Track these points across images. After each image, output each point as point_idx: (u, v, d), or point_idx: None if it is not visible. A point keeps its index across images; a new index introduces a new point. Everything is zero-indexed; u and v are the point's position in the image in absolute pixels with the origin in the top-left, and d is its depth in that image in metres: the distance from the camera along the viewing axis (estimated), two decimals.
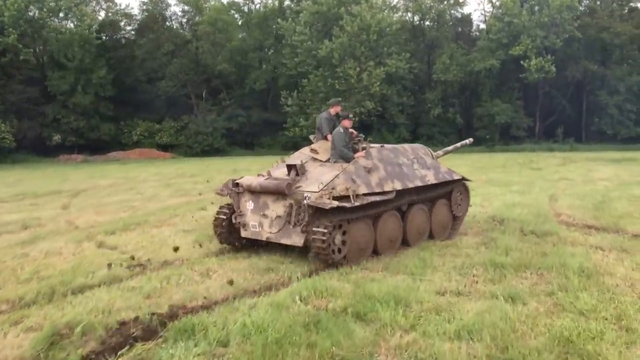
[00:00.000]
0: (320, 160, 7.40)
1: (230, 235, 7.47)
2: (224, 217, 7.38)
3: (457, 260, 7.01)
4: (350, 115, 7.55)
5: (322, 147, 7.65)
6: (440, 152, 9.72)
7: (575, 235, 8.47)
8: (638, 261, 6.77)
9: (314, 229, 6.28)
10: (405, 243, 7.67)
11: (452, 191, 8.57)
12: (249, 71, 46.83)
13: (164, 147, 45.63)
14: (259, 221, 6.96)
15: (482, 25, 49.56)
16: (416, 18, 49.82)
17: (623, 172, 20.08)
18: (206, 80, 47.98)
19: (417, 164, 7.88)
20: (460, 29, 50.54)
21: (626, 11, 46.72)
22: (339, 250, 6.48)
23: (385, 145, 7.87)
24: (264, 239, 7.00)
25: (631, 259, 6.92)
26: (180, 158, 42.41)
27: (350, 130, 7.59)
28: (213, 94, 48.38)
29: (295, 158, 7.63)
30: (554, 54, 42.01)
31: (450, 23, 49.57)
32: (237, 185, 7.25)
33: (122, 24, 49.34)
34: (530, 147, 41.87)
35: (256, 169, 13.42)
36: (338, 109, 8.07)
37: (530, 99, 45.50)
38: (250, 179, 7.21)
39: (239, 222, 7.20)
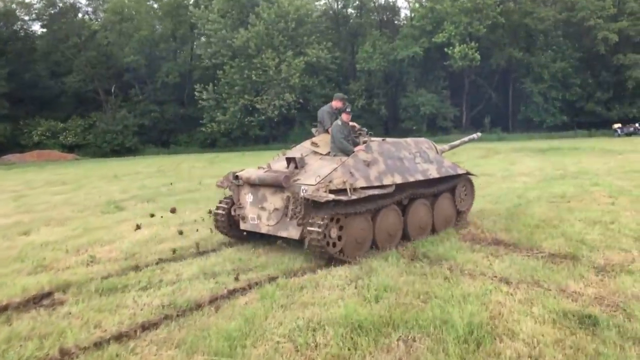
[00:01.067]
0: (321, 154, 7.29)
1: (230, 228, 7.47)
2: (224, 210, 7.41)
3: (303, 314, 4.79)
4: (348, 110, 7.39)
5: (323, 141, 7.52)
6: (446, 147, 9.56)
7: (477, 258, 6.44)
8: (551, 306, 4.75)
9: (309, 222, 6.24)
10: (406, 237, 7.41)
11: (455, 186, 8.38)
12: (161, 63, 43.81)
13: (70, 148, 42.19)
14: (257, 214, 6.95)
15: (409, 13, 47.99)
16: (338, 5, 47.80)
17: (547, 165, 18.65)
18: (116, 75, 44.67)
19: (419, 157, 7.76)
20: (385, 17, 48.83)
21: None
22: (334, 244, 6.33)
23: (387, 139, 7.69)
24: (262, 231, 6.94)
25: (543, 301, 4.88)
26: (85, 159, 39.08)
27: (352, 123, 7.52)
28: (124, 89, 45.14)
29: (296, 151, 7.57)
30: (478, 41, 40.86)
31: (375, 11, 47.73)
32: (237, 177, 7.22)
33: (19, 13, 45.23)
34: (457, 138, 40.47)
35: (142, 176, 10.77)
36: (340, 103, 7.83)
37: (457, 89, 44.33)
38: (250, 172, 7.18)
39: (239, 215, 7.19)
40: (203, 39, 42.05)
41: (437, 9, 40.45)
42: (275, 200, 6.75)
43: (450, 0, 39.92)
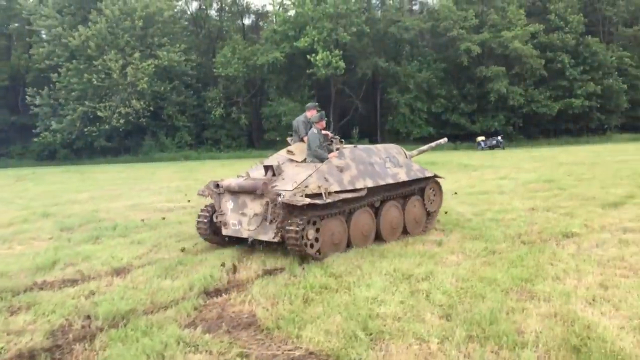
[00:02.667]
0: (296, 161, 7.69)
1: (213, 234, 7.70)
2: (206, 217, 7.65)
3: None
4: (323, 119, 7.79)
5: (298, 149, 7.94)
6: (414, 152, 10.03)
7: None
8: None
9: (287, 225, 6.62)
10: (379, 238, 7.82)
11: (424, 188, 8.89)
12: None
13: None
14: (238, 219, 7.27)
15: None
16: (197, 6, 44.54)
17: None
18: None
19: (389, 162, 8.25)
20: (251, 20, 46.19)
21: (416, 6, 45.65)
22: (312, 245, 6.71)
23: (358, 146, 8.24)
24: (244, 236, 7.24)
25: None
26: None
27: (325, 132, 7.85)
28: None
29: (273, 159, 7.98)
30: (343, 48, 39.16)
31: (239, 14, 44.89)
32: (217, 186, 7.56)
33: None
34: None
35: None
36: (314, 112, 8.17)
37: (324, 98, 42.38)
38: (230, 180, 7.54)
39: (220, 221, 7.48)
40: (36, 36, 37.07)
41: (299, 12, 38.30)
42: (255, 206, 7.12)
43: (313, 4, 37.94)
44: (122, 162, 36.19)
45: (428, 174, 8.87)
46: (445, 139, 11.73)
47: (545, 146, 38.35)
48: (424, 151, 10.56)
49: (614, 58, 41.99)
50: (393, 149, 8.71)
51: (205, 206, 7.91)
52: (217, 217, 7.54)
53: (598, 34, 43.76)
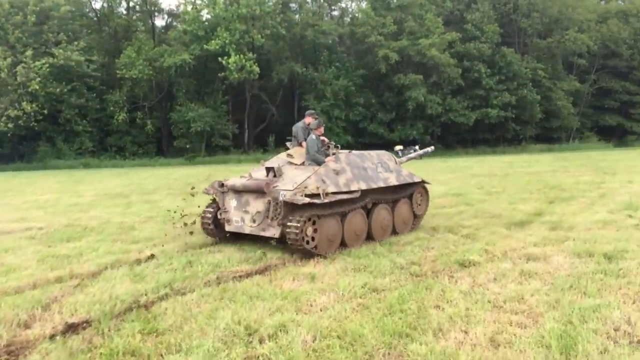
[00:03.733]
0: (296, 164, 8.33)
1: (216, 230, 8.32)
2: (210, 214, 8.29)
3: None
4: (323, 125, 8.58)
5: (297, 153, 8.62)
6: (403, 159, 10.65)
7: None
8: None
9: (288, 222, 7.20)
10: (370, 238, 8.41)
11: (413, 192, 9.48)
12: None
13: None
14: (241, 217, 7.87)
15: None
16: (100, 3, 41.76)
17: None
18: None
19: (381, 167, 8.89)
20: (160, 20, 43.83)
21: (336, 11, 44.83)
22: (310, 241, 7.29)
23: (353, 152, 8.87)
24: (246, 232, 7.87)
25: None
26: None
27: (322, 138, 8.48)
28: None
29: (273, 162, 8.54)
30: (257, 52, 37.58)
31: (148, 13, 42.40)
32: (222, 185, 8.20)
33: None
34: (237, 159, 36.73)
35: None
36: (311, 119, 8.93)
37: (238, 104, 40.68)
38: (234, 180, 8.17)
39: (224, 218, 8.09)
40: None
41: (210, 12, 36.43)
42: (257, 204, 7.74)
43: (225, 4, 36.19)
44: (12, 170, 33.01)
45: (416, 180, 9.57)
46: (432, 148, 13.11)
47: (463, 156, 38.24)
48: (412, 158, 11.31)
49: (528, 69, 42.61)
50: (384, 155, 9.44)
51: (209, 204, 8.58)
52: (220, 215, 8.17)
53: (513, 44, 44.41)
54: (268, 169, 8.06)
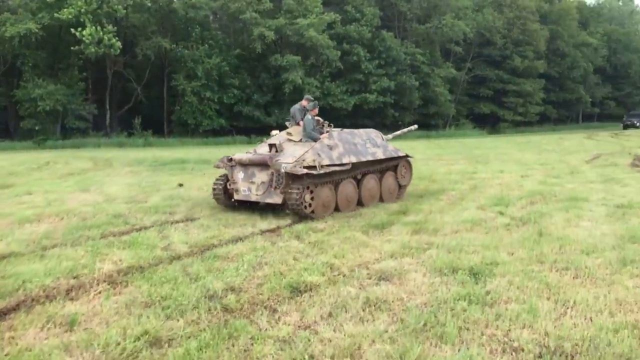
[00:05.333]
0: (294, 141, 9.73)
1: (226, 198, 9.72)
2: (221, 185, 9.74)
3: None
4: (317, 107, 10.36)
5: (296, 131, 10.03)
6: (389, 136, 12.22)
7: None
8: None
9: (289, 190, 8.68)
10: (360, 204, 9.94)
11: (397, 165, 10.99)
12: None
13: None
14: (248, 187, 9.30)
15: None
16: None
17: (128, 190, 12.54)
18: None
19: (369, 143, 10.33)
20: None
21: None
22: (307, 207, 8.81)
23: (344, 130, 10.37)
24: (252, 199, 9.33)
25: None
26: None
27: (317, 117, 10.05)
28: None
29: (275, 139, 9.84)
30: (119, 25, 34.14)
31: None
32: (231, 160, 9.58)
33: None
34: (95, 142, 33.25)
35: None
36: (307, 102, 10.60)
37: (99, 81, 36.98)
38: (240, 155, 9.61)
39: (233, 188, 9.49)
40: None
41: None
42: (262, 176, 9.15)
43: None
44: None
45: (400, 154, 10.97)
46: (416, 126, 15.28)
47: None
48: (397, 135, 13.27)
49: (407, 54, 42.57)
50: (372, 132, 10.90)
51: (220, 176, 10.01)
52: (229, 185, 9.55)
53: (393, 29, 44.20)
54: (271, 145, 9.50)
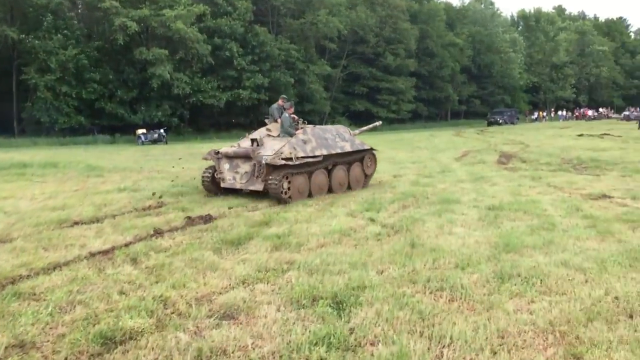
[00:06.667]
0: (273, 136, 11.07)
1: (213, 187, 10.98)
2: (209, 175, 10.97)
3: None
4: (292, 106, 11.54)
5: (274, 127, 11.38)
6: (357, 132, 13.84)
7: None
8: None
9: (269, 179, 9.94)
10: (330, 191, 11.28)
11: (364, 157, 12.36)
12: None
13: None
14: (233, 176, 10.62)
15: None
16: None
17: None
18: None
19: (338, 138, 11.69)
20: None
21: None
22: (286, 193, 10.14)
23: (317, 126, 11.99)
24: (237, 187, 10.67)
25: None
26: None
27: (292, 115, 11.29)
28: None
29: (256, 134, 11.32)
30: None
31: None
32: (217, 153, 10.94)
33: None
34: None
35: None
36: (283, 101, 12.09)
37: None
38: (226, 149, 11.00)
39: (220, 178, 10.80)
40: None
41: None
42: (245, 166, 10.48)
43: None
44: None
45: (366, 147, 12.43)
46: (380, 122, 16.62)
47: (215, 141, 35.94)
48: (363, 131, 14.69)
49: (281, 50, 41.99)
50: (341, 128, 12.65)
51: (208, 167, 11.23)
52: (217, 175, 10.88)
53: (267, 24, 43.46)
54: (252, 140, 10.63)
